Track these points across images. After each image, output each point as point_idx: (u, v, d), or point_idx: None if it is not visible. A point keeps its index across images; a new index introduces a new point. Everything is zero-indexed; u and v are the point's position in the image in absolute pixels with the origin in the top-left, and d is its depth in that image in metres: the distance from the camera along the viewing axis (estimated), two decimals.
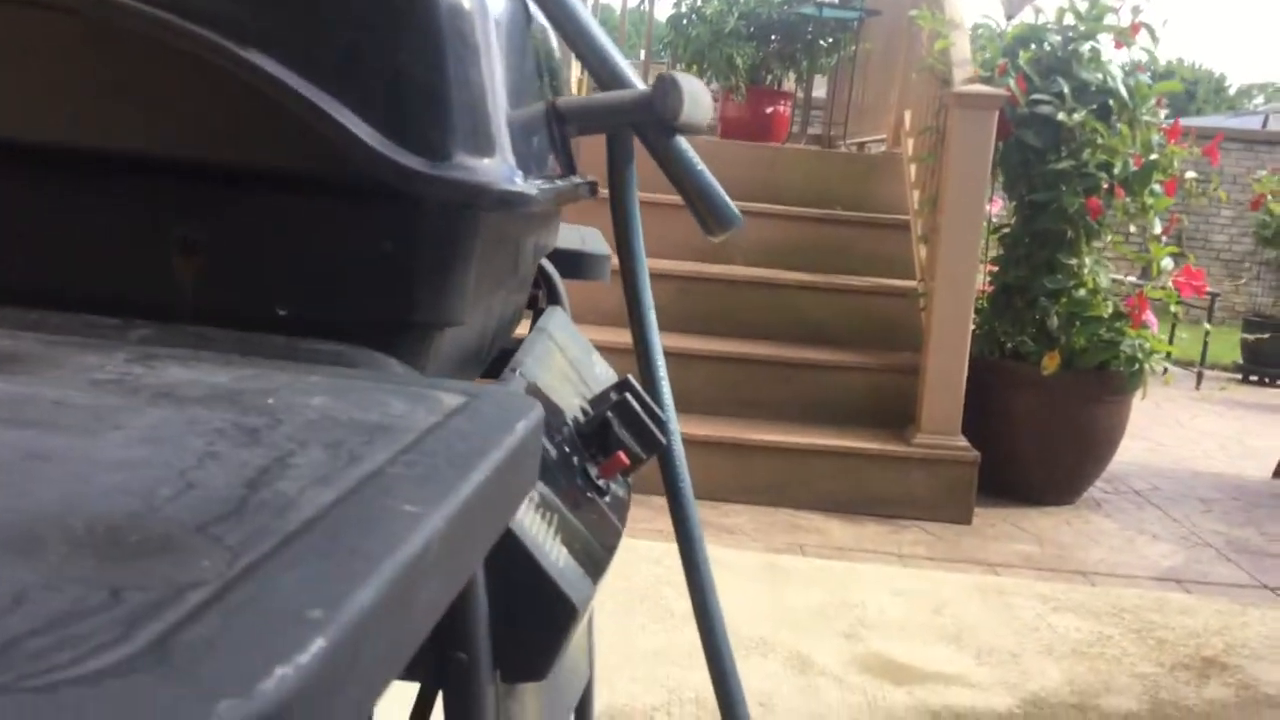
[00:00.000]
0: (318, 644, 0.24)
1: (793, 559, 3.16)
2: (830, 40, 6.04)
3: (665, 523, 3.64)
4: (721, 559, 2.92)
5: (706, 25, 5.90)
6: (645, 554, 2.91)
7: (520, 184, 0.59)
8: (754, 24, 5.98)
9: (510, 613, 0.59)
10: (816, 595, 2.88)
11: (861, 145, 5.75)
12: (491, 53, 0.58)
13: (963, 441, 3.65)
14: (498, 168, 0.58)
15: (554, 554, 0.62)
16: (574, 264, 1.22)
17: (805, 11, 5.73)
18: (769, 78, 6.12)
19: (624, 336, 1.05)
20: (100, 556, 0.27)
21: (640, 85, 0.79)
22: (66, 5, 0.54)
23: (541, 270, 1.14)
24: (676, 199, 0.86)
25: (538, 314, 1.12)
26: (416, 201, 0.56)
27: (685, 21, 6.12)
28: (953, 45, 3.77)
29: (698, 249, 4.25)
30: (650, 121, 0.75)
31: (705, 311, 4.02)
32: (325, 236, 0.57)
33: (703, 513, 3.17)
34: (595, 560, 0.68)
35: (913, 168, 4.34)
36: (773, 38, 6.04)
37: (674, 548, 1.02)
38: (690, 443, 1.21)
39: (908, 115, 4.61)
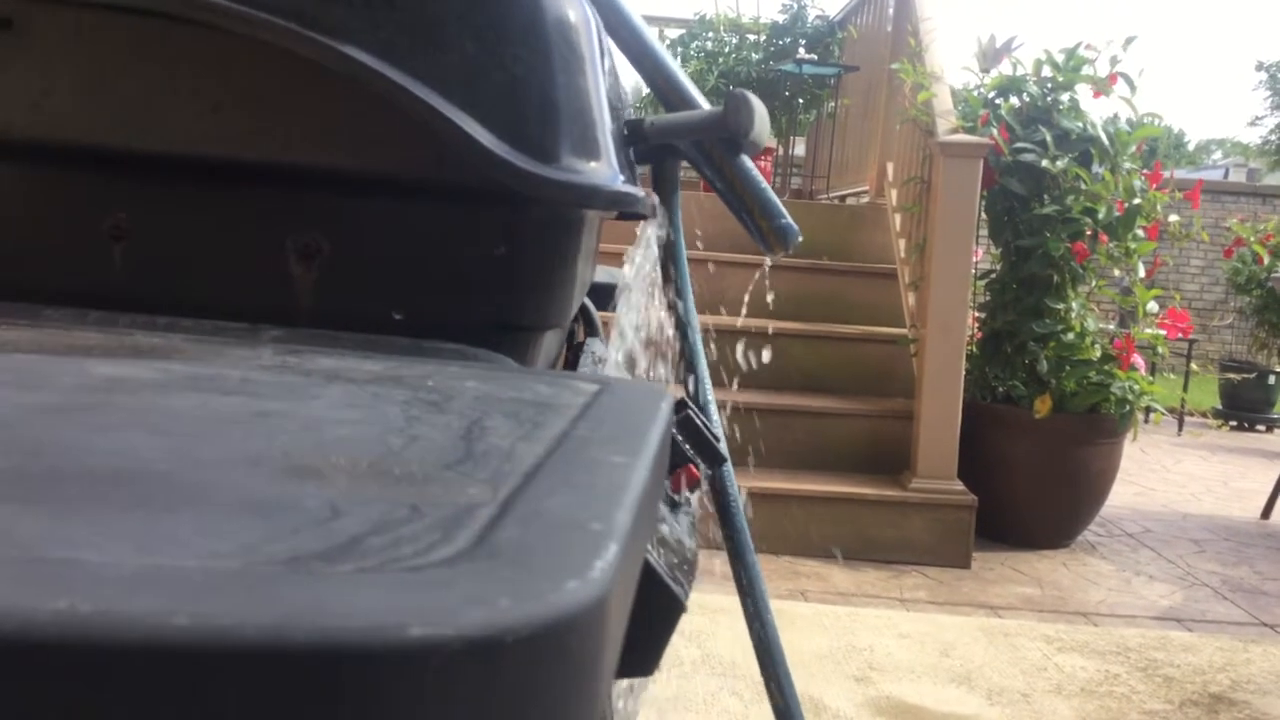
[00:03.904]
0: (613, 547, 0.26)
1: (795, 605, 3.15)
2: (808, 97, 6.15)
3: None
4: (725, 606, 2.90)
5: None
6: None
7: (626, 186, 0.61)
8: (733, 82, 6.09)
9: None
10: (823, 640, 2.87)
11: (843, 198, 5.84)
12: (596, 64, 0.60)
13: (959, 486, 3.67)
14: (604, 170, 0.60)
15: (656, 555, 0.63)
16: (607, 297, 1.24)
17: (785, 69, 5.84)
18: None
19: None
20: (379, 483, 0.28)
21: (706, 105, 0.81)
22: (194, 17, 0.55)
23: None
24: None
25: (573, 349, 1.13)
26: (527, 205, 0.58)
27: None
28: (935, 96, 3.85)
29: None
30: (721, 138, 0.77)
31: None
32: (440, 241, 0.58)
33: (703, 562, 3.16)
34: (686, 564, 0.69)
35: (898, 217, 4.41)
36: None
37: None
38: None
39: (890, 167, 4.69)
